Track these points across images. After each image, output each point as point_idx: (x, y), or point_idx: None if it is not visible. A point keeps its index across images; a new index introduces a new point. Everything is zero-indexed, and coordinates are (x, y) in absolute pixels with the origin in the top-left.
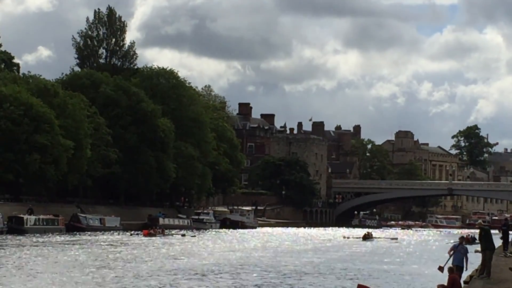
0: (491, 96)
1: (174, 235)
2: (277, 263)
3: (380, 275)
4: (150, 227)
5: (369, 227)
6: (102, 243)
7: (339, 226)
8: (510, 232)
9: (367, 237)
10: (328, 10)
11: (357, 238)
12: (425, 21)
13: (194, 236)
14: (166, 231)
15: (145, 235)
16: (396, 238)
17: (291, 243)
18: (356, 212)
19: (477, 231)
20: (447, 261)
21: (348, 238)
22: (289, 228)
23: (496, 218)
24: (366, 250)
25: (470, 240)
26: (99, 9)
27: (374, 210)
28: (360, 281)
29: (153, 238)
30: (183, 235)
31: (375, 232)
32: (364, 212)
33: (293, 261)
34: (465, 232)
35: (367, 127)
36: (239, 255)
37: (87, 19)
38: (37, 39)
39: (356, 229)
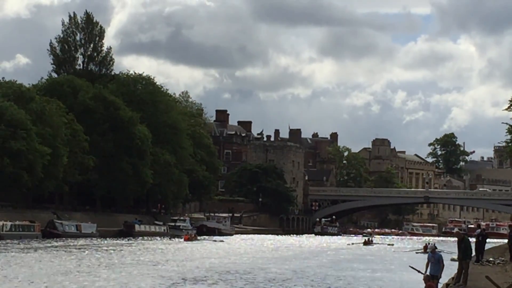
0: (465, 104)
1: (206, 240)
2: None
3: (353, 281)
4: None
5: (330, 234)
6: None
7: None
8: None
9: (367, 243)
10: (304, 19)
11: (359, 243)
12: (400, 31)
13: (222, 241)
14: (197, 237)
15: (185, 240)
16: (393, 244)
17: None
18: (318, 220)
19: (448, 238)
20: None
21: (352, 244)
22: (272, 236)
23: (472, 226)
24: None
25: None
26: (74, 13)
27: (334, 217)
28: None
29: (192, 242)
30: (214, 240)
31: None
32: (326, 220)
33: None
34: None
35: (342, 135)
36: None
37: (63, 22)
38: (15, 47)
39: (318, 236)
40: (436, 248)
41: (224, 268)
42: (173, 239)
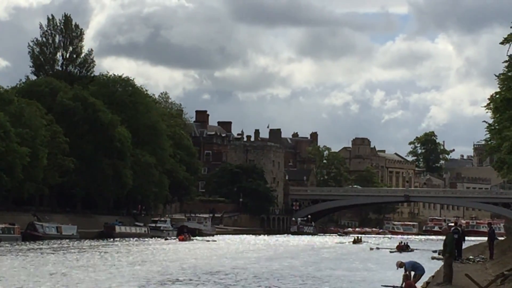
0: (443, 103)
1: (200, 240)
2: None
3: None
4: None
5: (306, 234)
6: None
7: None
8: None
9: (356, 241)
10: (283, 19)
11: (348, 242)
12: (378, 30)
13: (215, 241)
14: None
15: (180, 240)
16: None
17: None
18: (293, 219)
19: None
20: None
21: (340, 243)
22: (255, 236)
23: (452, 224)
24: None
25: (404, 248)
26: (52, 15)
27: (309, 216)
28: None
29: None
30: (208, 240)
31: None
32: (302, 219)
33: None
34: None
35: (322, 134)
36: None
37: (41, 25)
38: None
39: (294, 236)
40: (408, 247)
41: (218, 266)
42: (169, 239)
